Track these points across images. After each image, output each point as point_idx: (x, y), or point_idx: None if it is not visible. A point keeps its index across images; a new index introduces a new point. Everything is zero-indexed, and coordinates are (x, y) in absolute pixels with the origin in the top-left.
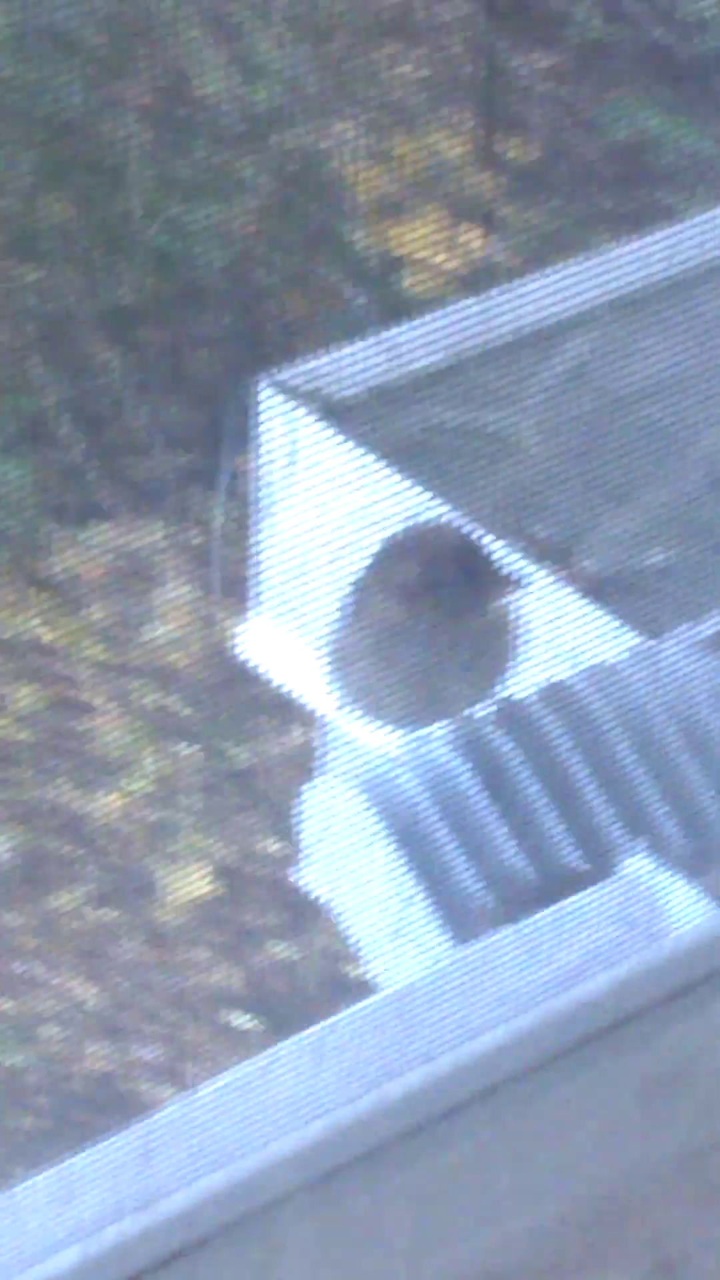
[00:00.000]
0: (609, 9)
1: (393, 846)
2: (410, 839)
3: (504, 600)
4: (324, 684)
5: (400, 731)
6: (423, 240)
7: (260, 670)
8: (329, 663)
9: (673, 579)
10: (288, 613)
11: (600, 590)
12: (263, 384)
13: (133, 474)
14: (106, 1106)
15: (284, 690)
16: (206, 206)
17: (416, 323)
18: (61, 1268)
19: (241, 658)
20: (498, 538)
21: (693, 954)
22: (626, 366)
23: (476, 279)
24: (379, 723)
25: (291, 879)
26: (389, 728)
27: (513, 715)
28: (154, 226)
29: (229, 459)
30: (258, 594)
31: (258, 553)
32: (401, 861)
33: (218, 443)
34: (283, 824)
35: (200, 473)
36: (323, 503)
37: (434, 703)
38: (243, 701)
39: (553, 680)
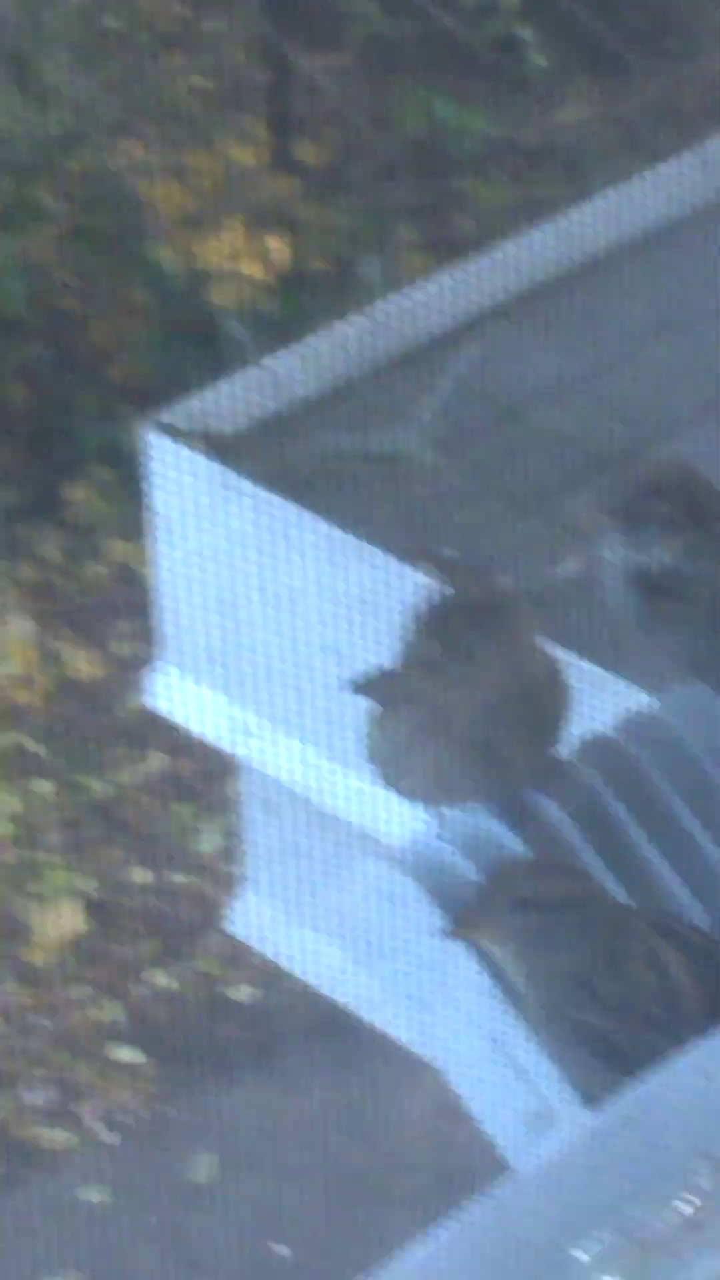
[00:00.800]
0: (391, 2)
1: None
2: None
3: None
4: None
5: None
6: (226, 251)
7: (172, 719)
8: (370, 748)
9: (584, 586)
10: (194, 660)
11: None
12: (148, 426)
13: None
14: (2, 1155)
15: (136, 718)
16: (5, 238)
17: (295, 349)
18: None
19: (151, 708)
20: (404, 561)
21: None
22: (512, 373)
23: (283, 285)
24: (423, 800)
25: (163, 907)
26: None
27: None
28: None
29: (54, 491)
30: (163, 642)
31: (160, 600)
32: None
33: (42, 475)
34: (147, 852)
35: (27, 507)
36: (218, 542)
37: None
38: (95, 733)
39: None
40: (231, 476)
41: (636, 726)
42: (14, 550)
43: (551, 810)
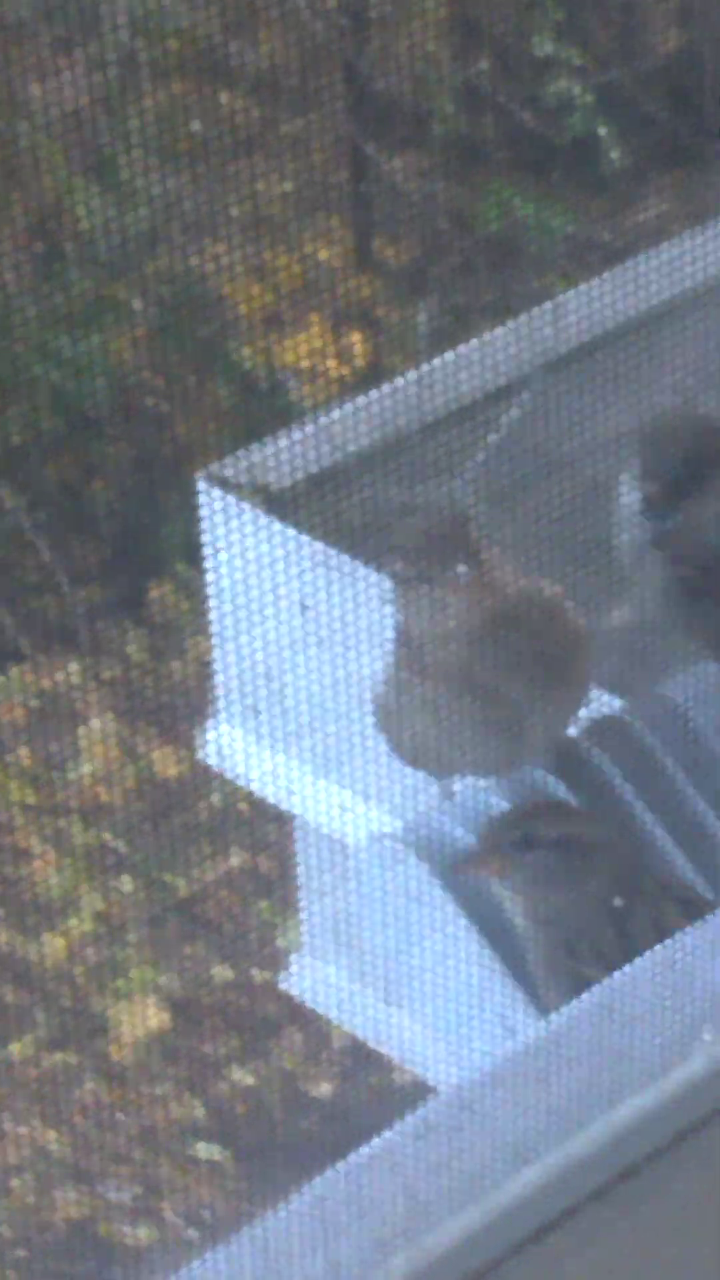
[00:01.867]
0: (472, 101)
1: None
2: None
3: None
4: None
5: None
6: (307, 350)
7: (226, 775)
8: (378, 714)
9: (638, 635)
10: (249, 715)
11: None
12: (201, 479)
13: (43, 613)
14: (85, 1253)
15: (220, 815)
16: (90, 337)
17: (348, 405)
18: None
19: (204, 764)
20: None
21: None
22: (562, 427)
23: (364, 384)
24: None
25: (243, 1003)
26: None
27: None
28: (40, 362)
29: (137, 589)
30: (216, 698)
31: (213, 653)
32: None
33: (125, 574)
34: (228, 949)
35: (110, 606)
36: (270, 594)
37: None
38: (177, 830)
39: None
40: (284, 528)
41: (644, 706)
42: (97, 648)
43: (559, 789)
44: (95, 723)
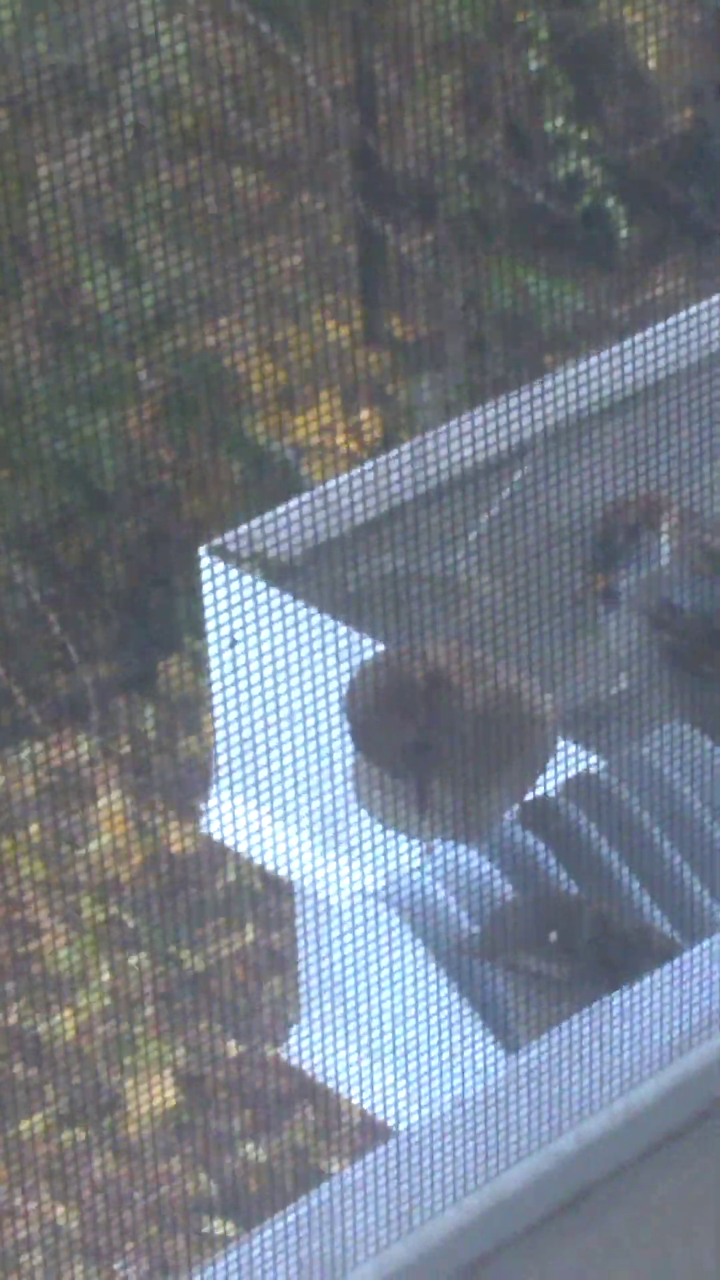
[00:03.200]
0: (482, 177)
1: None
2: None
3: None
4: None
5: (425, 843)
6: (319, 426)
7: (228, 845)
8: (354, 780)
9: (631, 702)
10: (251, 784)
11: (565, 724)
12: (203, 551)
13: (55, 689)
14: None
15: (232, 891)
16: (104, 414)
17: (348, 476)
18: None
19: (209, 836)
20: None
21: None
22: (563, 497)
23: (375, 458)
24: (404, 832)
25: (255, 1079)
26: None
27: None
28: (53, 439)
29: (148, 665)
30: (219, 767)
31: (214, 724)
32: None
33: (137, 650)
34: (241, 1025)
35: (121, 681)
36: (275, 666)
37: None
38: (189, 906)
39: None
40: (284, 598)
41: (621, 765)
42: (109, 724)
43: (536, 845)
44: (106, 798)
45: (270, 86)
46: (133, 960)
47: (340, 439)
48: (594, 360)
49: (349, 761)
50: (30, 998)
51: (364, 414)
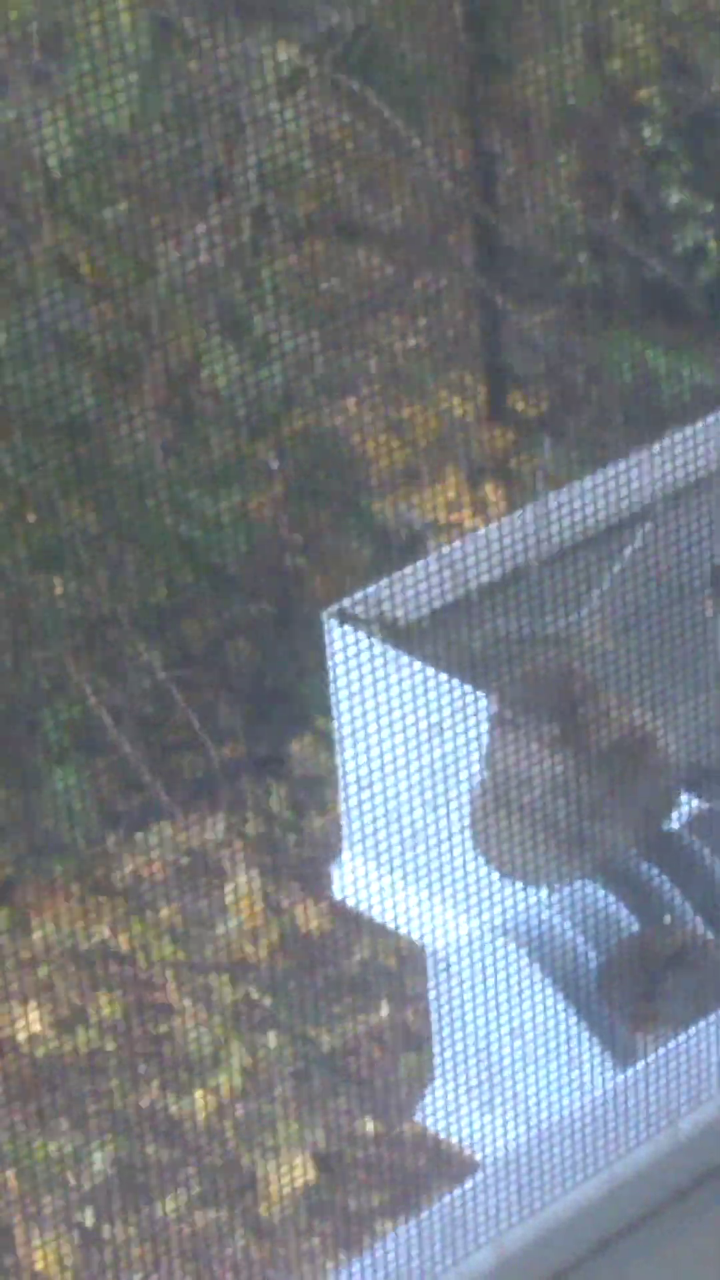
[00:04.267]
0: (602, 251)
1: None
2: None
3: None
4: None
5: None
6: (444, 503)
7: (358, 912)
8: (476, 833)
9: None
10: (378, 847)
11: (689, 778)
12: (327, 615)
13: (185, 770)
14: None
15: (365, 968)
16: (228, 494)
17: (470, 538)
18: None
19: (348, 917)
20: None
21: None
22: (681, 557)
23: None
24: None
25: (392, 1157)
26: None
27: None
28: (179, 520)
29: (279, 745)
30: (348, 831)
31: (343, 787)
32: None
33: (267, 730)
34: (376, 1102)
35: (253, 762)
36: (400, 728)
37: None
38: (321, 985)
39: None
40: (409, 660)
41: None
42: (240, 805)
43: (661, 881)
44: (239, 879)
45: (392, 165)
46: (268, 1040)
47: (466, 514)
48: (706, 422)
49: (470, 808)
50: (167, 1079)
51: (488, 489)
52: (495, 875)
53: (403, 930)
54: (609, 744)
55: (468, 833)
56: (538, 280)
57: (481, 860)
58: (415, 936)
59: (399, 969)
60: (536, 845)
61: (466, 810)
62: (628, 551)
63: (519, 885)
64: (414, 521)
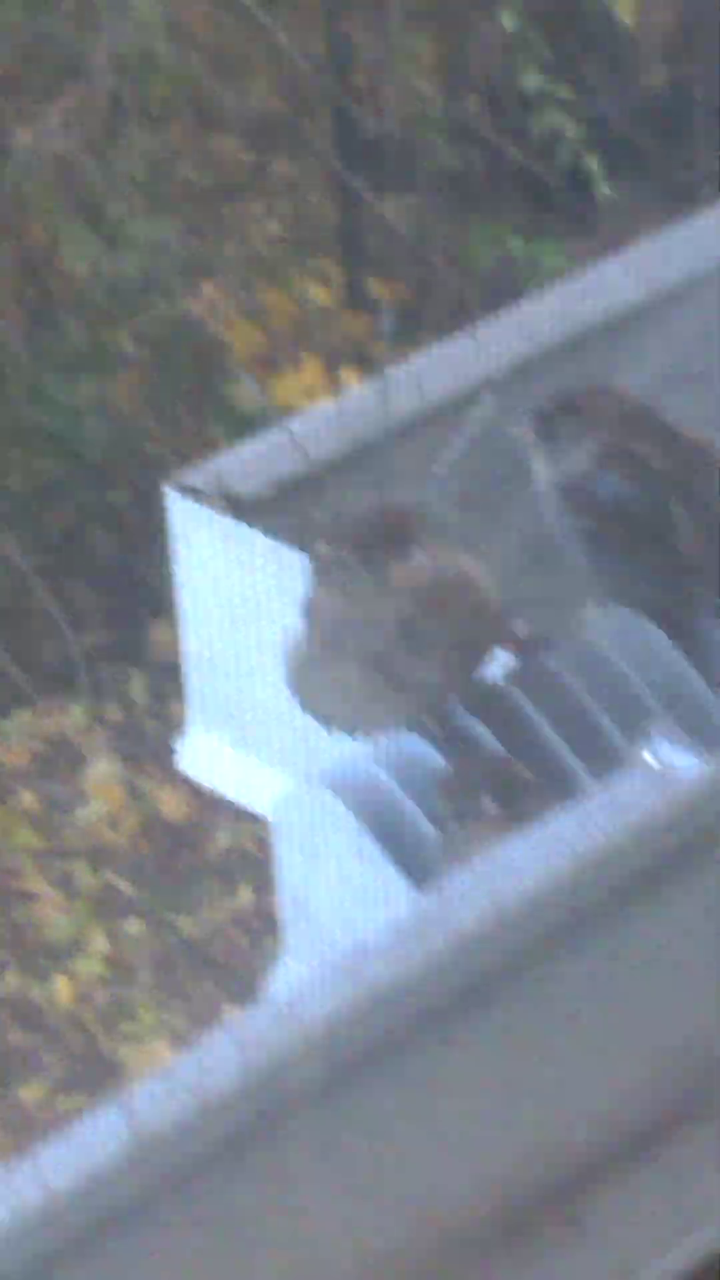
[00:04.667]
0: (461, 136)
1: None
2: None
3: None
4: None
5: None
6: (303, 389)
7: (201, 781)
8: (292, 676)
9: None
10: (223, 720)
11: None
12: (169, 488)
13: (45, 657)
14: None
15: (225, 854)
16: (87, 382)
17: (314, 413)
18: None
19: (184, 772)
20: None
21: None
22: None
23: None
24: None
25: None
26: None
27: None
28: (36, 409)
29: (139, 632)
30: (192, 705)
31: (186, 662)
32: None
33: (127, 617)
34: (238, 988)
35: (112, 649)
36: (242, 601)
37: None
38: (184, 871)
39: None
40: (251, 534)
41: (562, 649)
42: (100, 692)
43: (479, 731)
44: (100, 765)
45: (249, 52)
46: (129, 926)
47: (323, 402)
48: (552, 295)
49: (288, 657)
50: (27, 965)
51: (346, 374)
52: (320, 732)
53: (245, 802)
54: (428, 588)
55: (290, 686)
56: (396, 167)
57: (300, 710)
58: (257, 808)
59: (260, 854)
60: (353, 694)
61: (288, 661)
62: (468, 426)
63: (341, 738)
64: (264, 403)
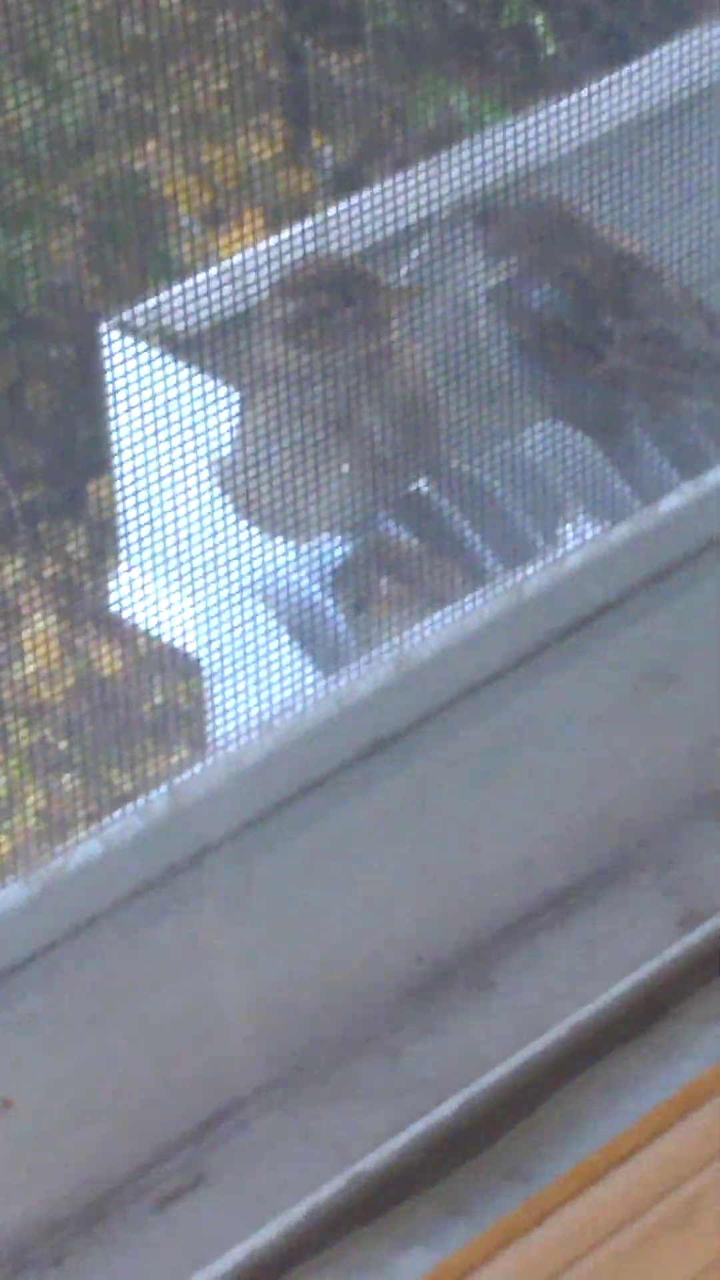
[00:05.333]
0: None
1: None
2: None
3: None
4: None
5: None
6: (246, 246)
7: (136, 623)
8: (221, 475)
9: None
10: (157, 561)
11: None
12: (105, 326)
13: None
14: None
15: (162, 713)
16: (27, 236)
17: (251, 252)
18: None
19: (115, 613)
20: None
21: (680, 523)
22: (480, 268)
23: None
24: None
25: None
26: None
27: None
28: None
29: (78, 488)
30: (125, 546)
31: (118, 501)
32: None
33: (66, 473)
34: None
35: (51, 505)
36: (179, 441)
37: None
38: (120, 728)
39: None
40: (187, 371)
41: (487, 455)
42: (38, 547)
43: (406, 538)
44: (36, 622)
45: None
46: (64, 783)
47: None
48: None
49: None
50: None
51: (289, 232)
52: (247, 550)
53: (180, 642)
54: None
55: (224, 499)
56: (342, 23)
57: (232, 511)
58: (187, 642)
59: (197, 712)
60: (284, 498)
61: (221, 476)
62: (423, 258)
63: (268, 545)
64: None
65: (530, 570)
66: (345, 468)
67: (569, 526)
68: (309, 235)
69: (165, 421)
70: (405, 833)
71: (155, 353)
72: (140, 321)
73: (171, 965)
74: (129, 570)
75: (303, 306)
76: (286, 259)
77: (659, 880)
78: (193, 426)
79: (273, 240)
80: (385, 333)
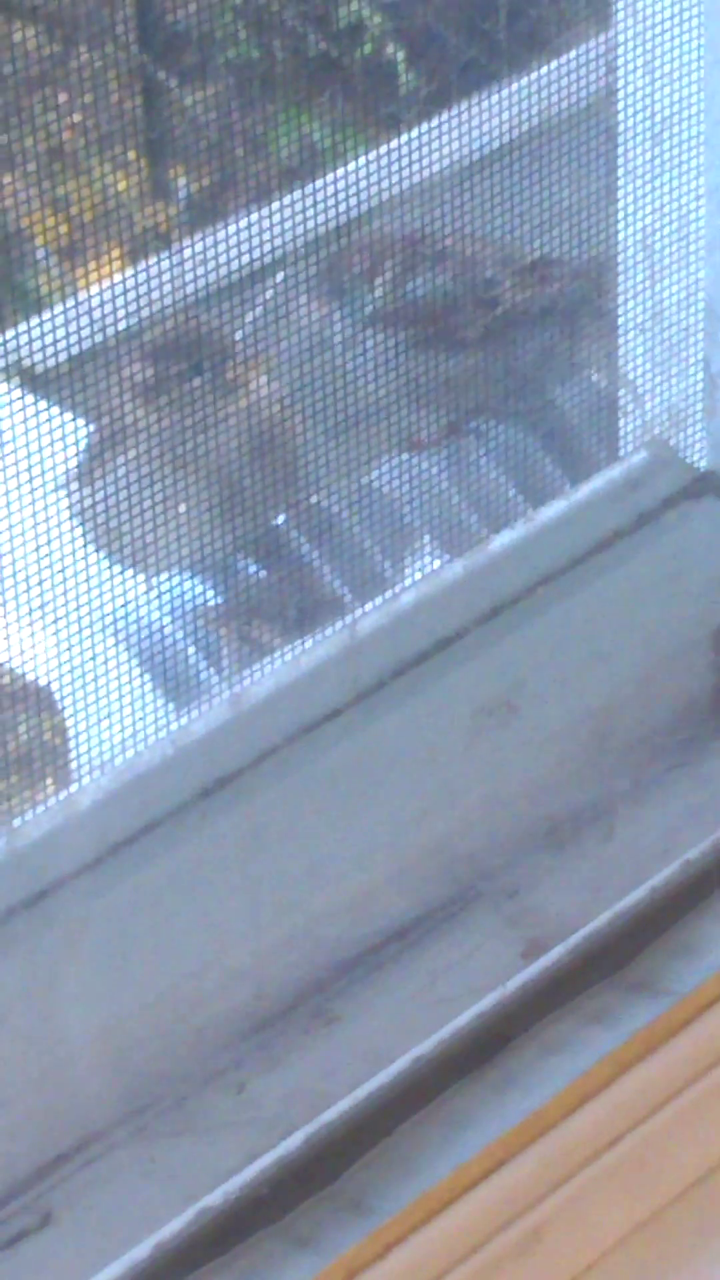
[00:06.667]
0: (263, 25)
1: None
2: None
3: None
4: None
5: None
6: (104, 279)
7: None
8: (78, 509)
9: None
10: (15, 593)
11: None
12: None
13: None
14: None
15: (28, 749)
16: None
17: (110, 284)
18: None
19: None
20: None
21: (515, 558)
22: (325, 297)
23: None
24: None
25: None
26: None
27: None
28: None
29: None
30: None
31: None
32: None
33: None
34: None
35: None
36: (32, 477)
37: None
38: None
39: None
40: (44, 407)
41: (342, 489)
42: None
43: (257, 571)
44: None
45: None
46: None
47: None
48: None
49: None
50: None
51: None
52: (104, 584)
53: (26, 669)
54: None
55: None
56: (199, 56)
57: (88, 545)
58: (39, 675)
59: (38, 752)
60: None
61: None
62: (260, 300)
63: (125, 579)
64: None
65: (366, 607)
66: (182, 507)
67: (408, 560)
68: (165, 268)
69: (15, 457)
70: (245, 869)
71: (7, 386)
72: None
73: (12, 1004)
74: None
75: (153, 371)
76: (144, 293)
77: (500, 911)
78: (43, 461)
79: (129, 273)
80: (237, 392)
